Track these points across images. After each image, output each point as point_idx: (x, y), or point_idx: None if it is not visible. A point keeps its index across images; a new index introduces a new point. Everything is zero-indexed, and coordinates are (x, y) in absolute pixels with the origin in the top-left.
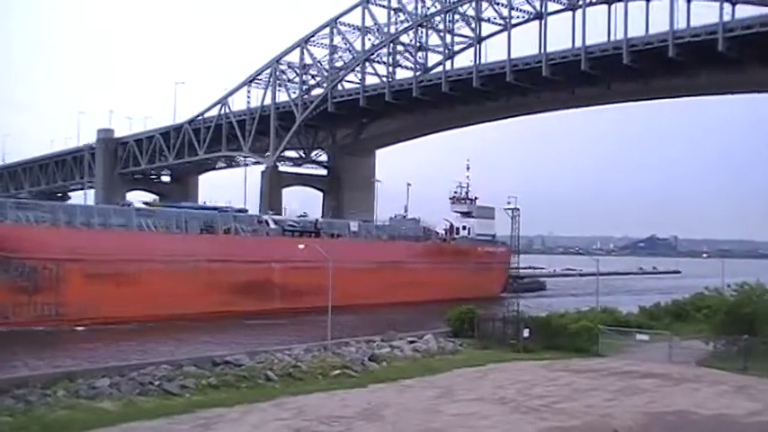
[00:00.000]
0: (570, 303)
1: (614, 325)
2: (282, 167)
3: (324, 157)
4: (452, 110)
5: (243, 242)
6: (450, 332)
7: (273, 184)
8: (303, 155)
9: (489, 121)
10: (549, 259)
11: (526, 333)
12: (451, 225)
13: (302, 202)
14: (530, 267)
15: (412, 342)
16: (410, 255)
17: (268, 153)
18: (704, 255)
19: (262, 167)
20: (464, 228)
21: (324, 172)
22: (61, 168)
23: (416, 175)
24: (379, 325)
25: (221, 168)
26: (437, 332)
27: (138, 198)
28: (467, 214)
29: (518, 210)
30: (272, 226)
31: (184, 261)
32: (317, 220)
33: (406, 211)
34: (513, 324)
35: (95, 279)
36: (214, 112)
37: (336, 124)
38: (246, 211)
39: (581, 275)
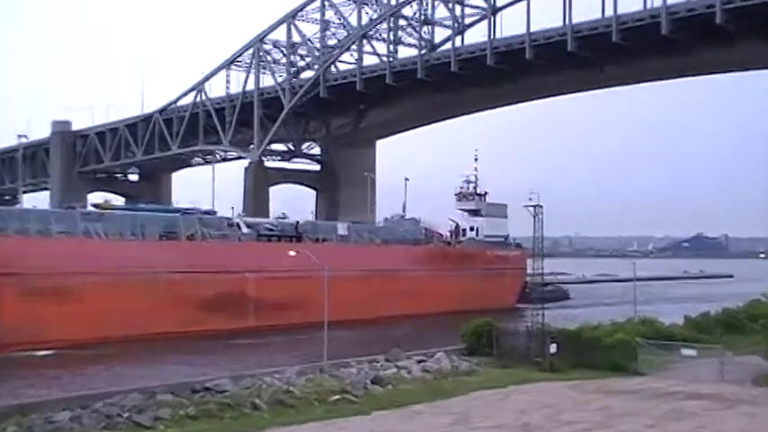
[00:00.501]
0: (602, 314)
1: (656, 338)
2: (269, 163)
3: (316, 151)
4: (462, 93)
5: (210, 249)
6: (464, 349)
7: (259, 182)
8: (292, 148)
9: (505, 105)
10: (578, 263)
11: (553, 349)
12: (457, 225)
13: (293, 202)
14: (551, 273)
15: (421, 361)
16: (408, 261)
17: (252, 146)
18: (761, 255)
19: (245, 163)
20: (472, 228)
21: (317, 167)
22: (9, 167)
23: (417, 169)
24: (382, 342)
25: (198, 165)
26: (449, 349)
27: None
28: (475, 212)
29: (541, 207)
30: (245, 230)
31: (140, 273)
32: (297, 222)
33: (404, 210)
34: (537, 339)
35: (32, 296)
36: (188, 99)
37: (330, 112)
38: (215, 212)
39: (615, 281)
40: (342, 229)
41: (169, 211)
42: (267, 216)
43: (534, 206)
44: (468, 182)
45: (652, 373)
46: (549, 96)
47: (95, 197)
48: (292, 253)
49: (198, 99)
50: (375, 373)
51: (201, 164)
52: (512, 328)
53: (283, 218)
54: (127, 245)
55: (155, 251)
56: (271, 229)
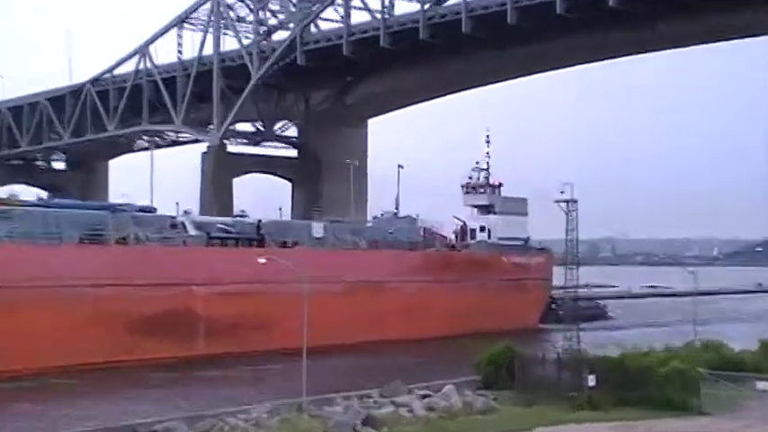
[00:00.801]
0: (653, 337)
1: (723, 368)
2: (233, 147)
3: (292, 132)
4: (475, 60)
5: (147, 256)
6: (479, 381)
7: (220, 172)
8: (262, 129)
9: (527, 74)
10: (621, 272)
11: (592, 381)
12: (464, 225)
13: (266, 196)
14: (586, 285)
15: (425, 396)
16: (402, 269)
17: (211, 126)
18: None
19: (203, 147)
20: (482, 229)
21: (293, 153)
22: None
23: (415, 155)
24: (374, 372)
25: (143, 150)
26: (460, 381)
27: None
28: (486, 209)
29: (575, 202)
30: (192, 232)
31: (56, 286)
32: (259, 221)
33: (397, 205)
34: (571, 368)
35: None
36: (130, 66)
37: (309, 84)
38: (154, 210)
39: (669, 296)
40: (317, 229)
41: (95, 208)
42: (230, 214)
43: (567, 201)
44: (479, 170)
45: (718, 413)
46: (582, 63)
47: (8, 191)
48: (262, 260)
49: (142, 66)
50: (367, 411)
51: (147, 148)
52: (539, 355)
53: (242, 216)
54: (38, 250)
55: (74, 258)
56: (226, 231)
